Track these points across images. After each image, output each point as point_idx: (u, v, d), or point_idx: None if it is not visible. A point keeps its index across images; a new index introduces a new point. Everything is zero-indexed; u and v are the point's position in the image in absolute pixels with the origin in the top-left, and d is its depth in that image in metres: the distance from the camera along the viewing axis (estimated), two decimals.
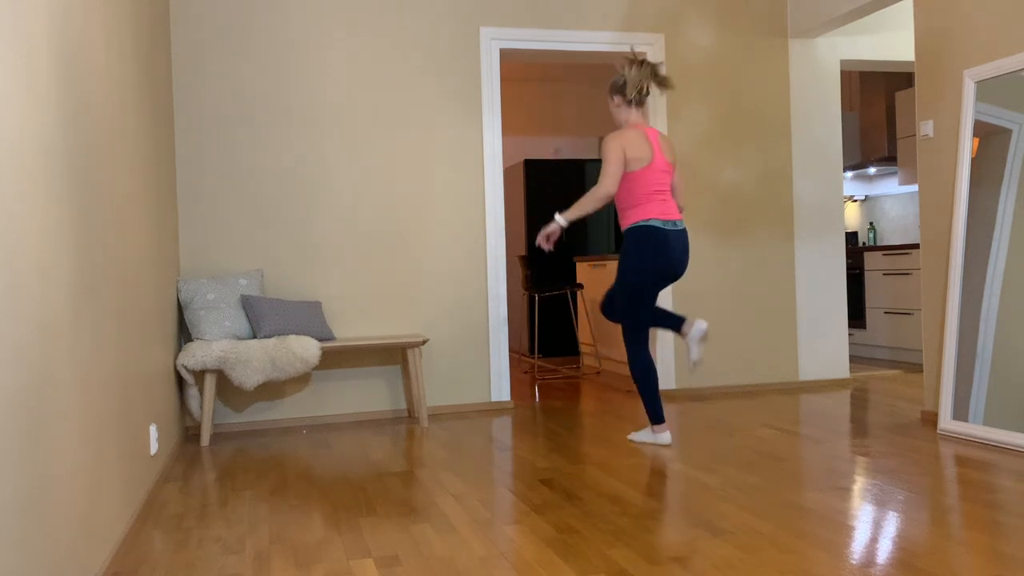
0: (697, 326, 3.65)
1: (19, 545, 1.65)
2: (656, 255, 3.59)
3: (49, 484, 1.86)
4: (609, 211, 8.23)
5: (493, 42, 4.94)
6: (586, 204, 3.64)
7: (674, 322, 3.73)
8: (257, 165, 4.61)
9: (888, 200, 7.68)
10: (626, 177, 3.64)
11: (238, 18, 4.59)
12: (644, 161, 3.60)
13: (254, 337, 4.33)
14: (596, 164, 7.89)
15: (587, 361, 7.02)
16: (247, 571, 2.32)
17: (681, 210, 3.81)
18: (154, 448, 3.28)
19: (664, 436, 3.73)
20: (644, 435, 3.79)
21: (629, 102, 3.72)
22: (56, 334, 1.95)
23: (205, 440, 4.14)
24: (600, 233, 8.11)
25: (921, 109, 4.16)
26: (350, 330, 4.74)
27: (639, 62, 3.71)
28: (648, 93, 3.72)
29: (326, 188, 4.70)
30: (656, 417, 3.72)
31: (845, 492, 2.90)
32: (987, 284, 3.72)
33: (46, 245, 1.90)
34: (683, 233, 3.67)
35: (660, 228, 3.59)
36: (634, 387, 5.52)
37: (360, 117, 4.76)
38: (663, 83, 3.69)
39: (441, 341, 4.86)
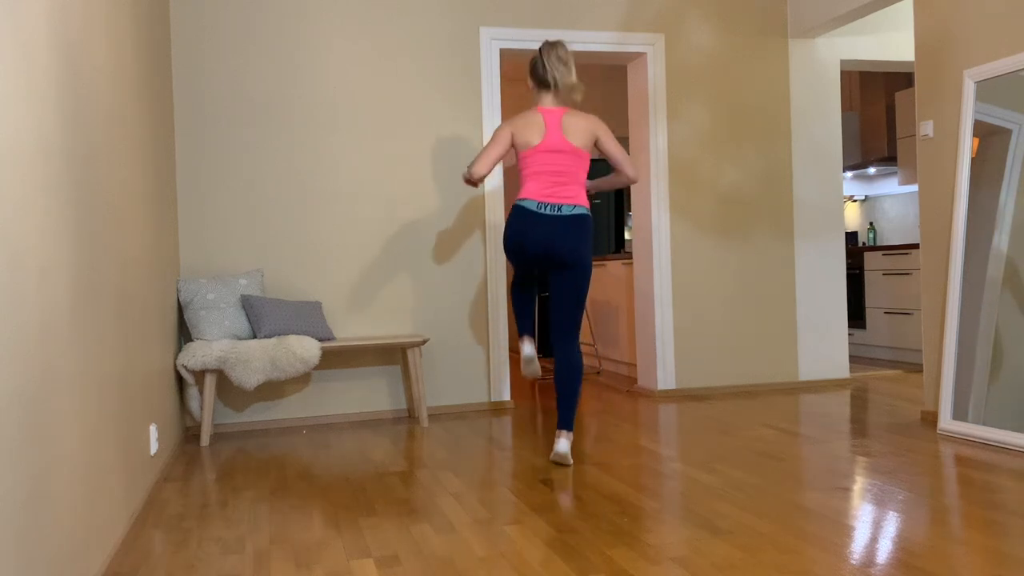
0: (559, 445, 3.52)
1: (18, 545, 1.65)
2: (512, 234, 3.51)
3: (49, 484, 1.86)
4: (609, 211, 8.23)
5: (493, 42, 4.94)
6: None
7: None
8: (257, 165, 4.61)
9: (888, 200, 7.68)
10: (519, 159, 3.59)
11: (239, 18, 4.59)
12: (531, 144, 3.51)
13: (254, 337, 4.33)
14: (596, 164, 7.88)
15: (587, 361, 7.01)
16: (247, 571, 2.32)
17: (630, 180, 3.63)
18: (154, 448, 3.28)
19: (525, 348, 3.74)
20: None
21: (537, 85, 3.59)
22: (56, 334, 1.95)
23: (205, 440, 4.14)
24: (600, 233, 8.11)
25: (921, 109, 4.16)
26: (350, 330, 4.74)
27: (549, 43, 3.58)
28: (557, 78, 3.53)
29: (326, 188, 4.70)
30: (520, 330, 3.79)
31: (845, 492, 2.90)
32: (987, 284, 3.72)
33: (46, 245, 1.90)
34: (567, 219, 3.45)
35: (524, 208, 3.49)
36: (634, 387, 5.52)
37: (360, 117, 4.76)
38: (556, 60, 3.53)
39: (441, 341, 4.86)
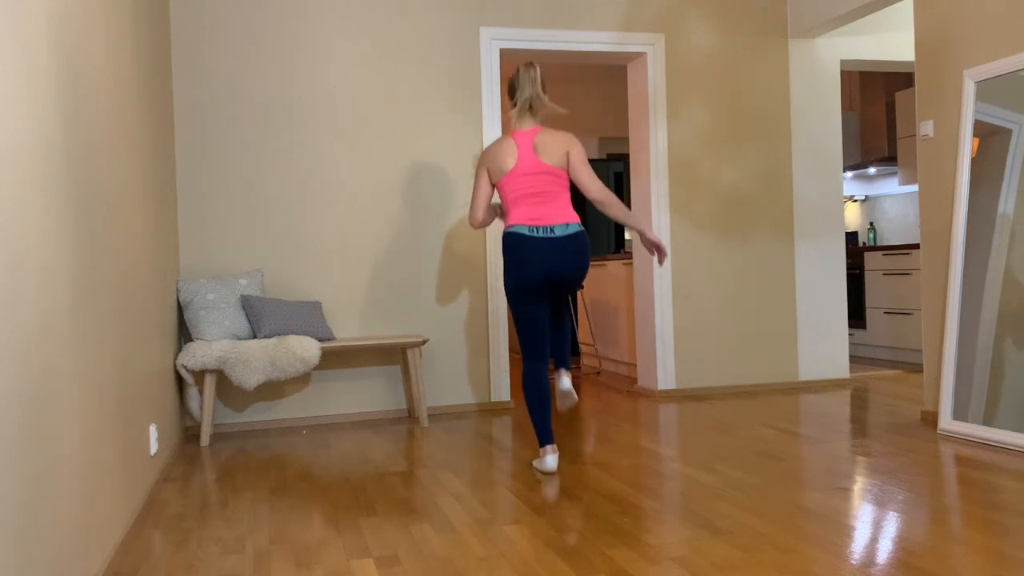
0: (563, 383, 3.65)
1: (18, 545, 1.65)
2: (514, 264, 3.41)
3: (49, 484, 1.86)
4: None
5: (493, 42, 4.94)
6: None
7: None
8: (257, 165, 4.61)
9: (888, 200, 7.68)
10: (497, 188, 3.51)
11: (239, 18, 4.59)
12: (505, 169, 3.44)
13: (254, 337, 4.33)
14: (596, 165, 7.89)
15: (587, 361, 7.02)
16: (247, 571, 2.32)
17: (590, 198, 3.46)
18: (154, 448, 3.28)
19: (547, 460, 3.37)
20: (536, 461, 3.47)
21: (514, 107, 3.52)
22: (56, 334, 1.95)
23: (205, 440, 4.14)
24: (600, 233, 8.12)
25: (921, 109, 4.16)
26: (350, 330, 4.74)
27: (525, 65, 3.52)
28: (531, 102, 3.48)
29: (326, 188, 4.70)
30: (541, 438, 3.43)
31: (845, 492, 2.90)
32: (987, 284, 3.72)
33: (46, 245, 1.90)
34: (562, 240, 3.37)
35: (519, 234, 3.39)
36: (634, 387, 5.52)
37: (360, 117, 4.76)
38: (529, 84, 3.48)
39: (441, 341, 4.86)
